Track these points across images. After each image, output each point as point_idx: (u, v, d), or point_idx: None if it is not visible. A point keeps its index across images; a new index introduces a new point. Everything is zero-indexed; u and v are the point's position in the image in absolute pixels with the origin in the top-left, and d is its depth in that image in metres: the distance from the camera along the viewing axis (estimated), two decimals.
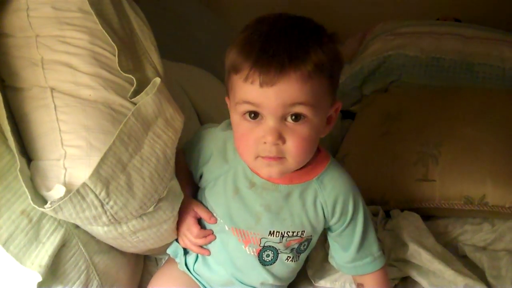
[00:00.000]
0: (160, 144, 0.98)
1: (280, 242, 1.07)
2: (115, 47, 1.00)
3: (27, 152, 0.96)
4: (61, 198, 0.88)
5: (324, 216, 1.06)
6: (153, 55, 1.11)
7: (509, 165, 1.43)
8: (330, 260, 1.19)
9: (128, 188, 0.93)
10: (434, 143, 1.51)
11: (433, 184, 1.44)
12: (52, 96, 0.96)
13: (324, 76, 0.92)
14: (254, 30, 0.94)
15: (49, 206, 0.88)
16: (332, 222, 1.07)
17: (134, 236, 1.03)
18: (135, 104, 0.99)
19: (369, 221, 1.10)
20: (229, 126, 1.06)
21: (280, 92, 0.90)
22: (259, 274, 1.10)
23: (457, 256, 1.32)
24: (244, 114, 0.95)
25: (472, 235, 1.40)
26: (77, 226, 1.01)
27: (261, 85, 0.89)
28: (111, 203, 0.92)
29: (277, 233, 1.05)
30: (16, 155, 0.92)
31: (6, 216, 0.91)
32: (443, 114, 1.62)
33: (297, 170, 1.02)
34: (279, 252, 1.08)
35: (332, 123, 1.02)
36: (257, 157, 0.96)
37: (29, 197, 0.88)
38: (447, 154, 1.48)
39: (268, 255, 1.08)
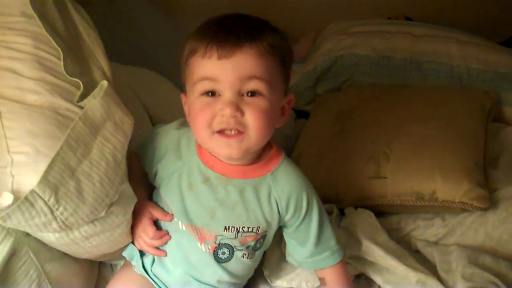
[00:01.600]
0: (109, 147, 0.98)
1: (235, 238, 1.07)
2: (60, 50, 0.99)
3: None
4: (9, 206, 0.86)
5: (279, 212, 1.08)
6: (101, 58, 1.11)
7: (458, 161, 1.46)
8: (289, 258, 1.20)
9: (78, 194, 0.92)
10: (385, 141, 1.53)
11: (384, 181, 1.46)
12: None
13: (277, 58, 0.97)
14: (210, 20, 1.00)
15: None
16: (287, 217, 1.09)
17: (86, 241, 1.02)
18: (82, 108, 0.98)
19: (324, 215, 1.12)
20: (183, 124, 1.09)
21: (237, 64, 0.93)
22: (214, 272, 1.10)
23: (410, 252, 1.34)
24: (202, 93, 0.97)
25: (424, 230, 1.43)
26: (27, 234, 0.99)
27: (219, 57, 0.93)
28: (60, 209, 0.90)
29: (233, 228, 1.06)
30: None
31: None
32: (394, 112, 1.65)
33: (251, 164, 1.05)
34: (234, 249, 1.09)
35: (286, 115, 1.05)
36: (213, 133, 0.97)
37: None
38: (397, 151, 1.50)
39: (223, 253, 1.08)
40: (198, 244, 1.07)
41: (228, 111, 0.94)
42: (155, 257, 1.13)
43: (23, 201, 0.86)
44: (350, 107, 1.75)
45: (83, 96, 0.99)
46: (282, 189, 1.06)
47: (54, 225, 0.92)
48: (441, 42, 2.03)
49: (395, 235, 1.41)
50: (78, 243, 1.01)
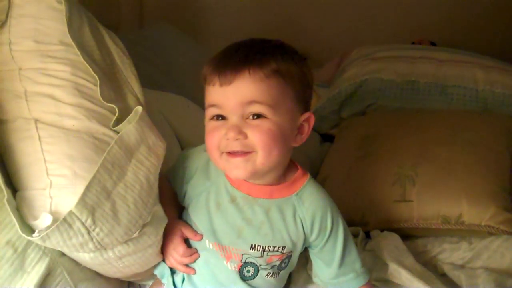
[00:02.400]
0: (143, 170, 1.00)
1: (261, 257, 1.08)
2: (97, 77, 1.03)
3: (13, 183, 0.98)
4: (48, 227, 0.89)
5: (304, 232, 1.09)
6: (134, 84, 1.14)
7: (483, 184, 1.46)
8: (315, 279, 1.20)
9: (113, 215, 0.94)
10: (410, 164, 1.54)
11: (410, 204, 1.47)
12: (37, 128, 0.98)
13: (284, 81, 1.00)
14: (225, 48, 1.05)
15: (37, 234, 0.89)
16: (312, 237, 1.10)
17: (119, 261, 1.04)
18: (117, 132, 1.01)
19: (349, 237, 1.13)
20: None
21: (237, 90, 0.98)
22: None
23: (436, 275, 1.33)
24: (212, 117, 1.02)
25: (451, 254, 1.42)
26: (62, 255, 1.02)
27: (220, 85, 0.99)
28: (97, 230, 0.93)
29: (259, 247, 1.07)
30: (3, 186, 0.93)
31: None
32: (419, 136, 1.65)
33: (276, 185, 1.07)
34: (259, 268, 1.10)
35: (305, 134, 1.07)
36: (221, 153, 1.02)
37: (17, 226, 0.90)
38: (423, 175, 1.51)
39: (248, 271, 1.09)
40: (224, 262, 1.09)
41: (231, 135, 0.99)
42: (185, 275, 1.14)
43: (61, 222, 0.89)
44: (375, 131, 1.76)
45: (118, 121, 1.02)
46: (307, 209, 1.08)
47: (90, 245, 0.94)
48: (466, 67, 2.03)
49: (421, 258, 1.40)
50: (112, 263, 1.03)
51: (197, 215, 1.11)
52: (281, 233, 1.08)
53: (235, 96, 0.98)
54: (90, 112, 1.02)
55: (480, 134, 1.65)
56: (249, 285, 1.11)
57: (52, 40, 1.05)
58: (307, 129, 1.07)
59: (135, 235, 1.01)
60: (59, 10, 1.07)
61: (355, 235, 1.43)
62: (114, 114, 1.03)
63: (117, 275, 1.11)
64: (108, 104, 1.03)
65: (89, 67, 1.03)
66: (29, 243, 0.96)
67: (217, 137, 1.01)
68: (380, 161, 1.59)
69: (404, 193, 1.48)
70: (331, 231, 1.10)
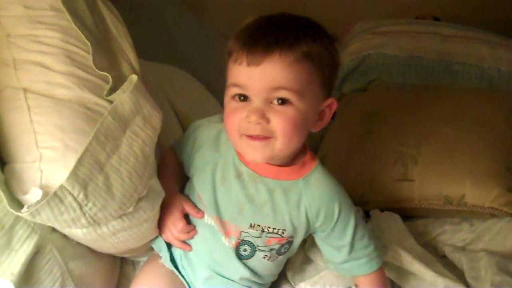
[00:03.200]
0: (138, 142, 0.97)
1: (259, 237, 1.06)
2: (89, 44, 0.98)
3: (1, 155, 0.94)
4: (38, 202, 0.85)
5: (308, 219, 1.06)
6: (129, 53, 1.10)
7: (488, 164, 1.44)
8: (328, 266, 1.18)
9: (107, 189, 0.91)
10: (413, 143, 1.51)
11: (412, 184, 1.44)
12: (25, 97, 0.94)
13: (313, 65, 0.96)
14: (253, 21, 0.99)
15: (26, 210, 0.85)
16: (317, 224, 1.07)
17: (114, 237, 1.01)
18: (111, 102, 0.97)
19: (360, 223, 1.11)
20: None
21: (265, 73, 0.93)
22: (236, 268, 1.09)
23: (437, 257, 1.32)
24: (234, 96, 0.98)
25: (452, 235, 1.40)
26: (52, 232, 0.98)
27: (248, 64, 0.94)
28: (89, 204, 0.90)
29: (258, 227, 1.05)
30: None
31: None
32: (422, 114, 1.62)
33: (285, 166, 1.04)
34: (256, 249, 1.08)
35: (325, 119, 1.04)
36: (241, 135, 0.98)
37: (5, 201, 0.86)
38: (426, 154, 1.48)
39: (245, 250, 1.08)
40: (223, 238, 1.07)
41: (253, 119, 0.95)
42: (181, 250, 1.13)
43: (52, 196, 0.85)
44: (378, 108, 1.73)
45: (112, 90, 0.98)
46: (313, 196, 1.05)
47: (83, 220, 0.91)
48: (471, 43, 2.01)
49: (422, 239, 1.39)
50: (106, 239, 1.01)
51: (201, 185, 1.09)
52: (283, 215, 1.05)
53: (262, 79, 0.94)
54: (81, 81, 0.97)
55: (485, 113, 1.61)
56: (244, 264, 1.09)
57: (42, 5, 1.00)
58: (328, 114, 1.04)
59: (130, 209, 0.97)
60: None
61: None
62: (108, 83, 0.98)
63: (111, 250, 1.09)
64: (101, 73, 0.98)
65: (81, 34, 0.98)
66: (17, 219, 0.92)
67: (237, 119, 0.97)
68: (382, 139, 1.57)
69: (406, 172, 1.46)
70: (338, 218, 1.07)
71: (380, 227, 1.34)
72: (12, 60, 0.96)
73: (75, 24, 0.99)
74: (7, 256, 0.91)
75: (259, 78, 0.94)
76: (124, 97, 0.96)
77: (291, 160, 1.05)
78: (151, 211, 1.03)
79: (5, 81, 0.96)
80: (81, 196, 0.88)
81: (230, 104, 0.99)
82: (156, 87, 1.39)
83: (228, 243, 1.07)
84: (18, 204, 0.89)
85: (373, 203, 1.46)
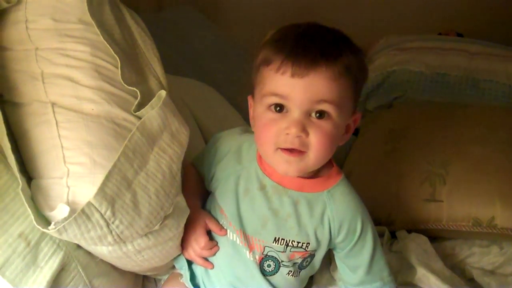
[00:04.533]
0: (165, 159, 0.95)
1: (283, 252, 1.05)
2: (117, 59, 0.97)
3: (28, 170, 0.92)
4: (65, 219, 0.83)
5: (330, 232, 1.05)
6: (156, 67, 1.09)
7: None
8: (339, 283, 1.16)
9: (134, 206, 0.89)
10: (441, 162, 1.48)
11: (440, 204, 1.41)
12: (53, 112, 0.92)
13: (350, 80, 0.96)
14: (288, 30, 0.98)
15: (53, 227, 0.83)
16: (338, 239, 1.06)
17: (139, 255, 0.99)
18: (139, 117, 0.96)
19: (378, 244, 1.09)
20: (245, 130, 1.11)
21: (310, 85, 0.92)
22: (259, 285, 1.07)
23: (465, 280, 1.29)
24: (270, 106, 0.97)
25: (480, 258, 1.37)
26: (76, 248, 0.97)
27: (292, 75, 0.92)
28: (116, 222, 0.88)
29: (282, 241, 1.04)
30: (17, 174, 0.88)
31: (3, 239, 0.87)
32: (450, 132, 1.59)
33: (310, 178, 1.04)
34: (280, 264, 1.06)
35: (349, 132, 1.04)
36: (277, 149, 0.97)
37: (32, 217, 0.84)
38: (454, 174, 1.45)
39: (269, 265, 1.06)
40: (247, 253, 1.05)
41: (293, 131, 0.94)
42: (203, 268, 1.11)
43: (79, 213, 0.84)
44: (403, 125, 1.70)
45: (140, 105, 0.97)
46: (337, 209, 1.04)
47: (109, 238, 0.90)
48: (499, 61, 1.99)
49: (449, 261, 1.35)
50: (130, 257, 0.99)
51: (224, 199, 1.07)
52: (307, 229, 1.04)
53: (306, 91, 0.93)
54: (110, 96, 0.96)
55: None
56: (268, 281, 1.07)
57: (71, 18, 0.99)
58: (352, 128, 1.05)
59: (156, 227, 0.96)
60: None
61: (381, 235, 1.37)
62: (136, 98, 0.97)
63: (135, 268, 1.07)
64: (130, 88, 0.97)
65: (110, 47, 0.97)
66: (42, 236, 0.91)
67: (275, 131, 0.96)
68: (408, 158, 1.53)
69: (434, 192, 1.42)
70: (359, 236, 1.06)
71: (408, 249, 1.31)
72: (41, 74, 0.95)
73: (104, 38, 0.98)
74: (33, 273, 0.89)
75: (303, 89, 0.92)
76: (152, 113, 0.94)
77: (316, 173, 1.04)
78: (176, 229, 1.01)
79: (33, 94, 0.94)
80: (108, 213, 0.86)
81: (266, 114, 0.98)
82: (181, 101, 1.38)
83: (252, 258, 1.05)
84: (45, 220, 0.87)
85: (399, 223, 1.43)
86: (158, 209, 0.94)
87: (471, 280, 1.32)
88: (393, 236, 1.42)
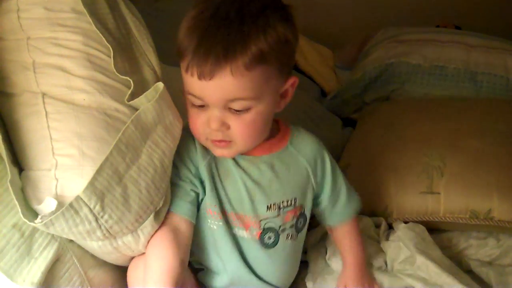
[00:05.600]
0: (158, 153, 0.94)
1: (278, 216, 1.07)
2: (110, 48, 0.96)
3: (19, 161, 0.92)
4: (52, 212, 0.82)
5: (309, 177, 1.11)
6: (151, 56, 1.08)
7: None
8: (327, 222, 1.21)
9: (124, 201, 0.88)
10: (438, 154, 1.47)
11: (437, 196, 1.40)
12: (44, 102, 0.92)
13: (267, 63, 0.93)
14: (199, 14, 0.95)
15: (40, 220, 0.83)
16: (318, 179, 1.12)
17: (129, 250, 0.99)
18: (131, 108, 0.96)
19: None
20: None
21: (218, 86, 0.92)
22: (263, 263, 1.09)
23: (463, 271, 1.28)
24: (193, 104, 0.99)
25: (477, 250, 1.37)
26: (71, 240, 0.96)
27: (199, 77, 0.92)
28: (105, 217, 0.87)
29: (274, 206, 1.07)
30: (7, 165, 0.87)
31: None
32: (447, 125, 1.59)
33: (268, 140, 1.07)
34: (279, 232, 1.08)
35: (288, 97, 1.04)
36: (206, 138, 1.00)
37: (20, 210, 0.84)
38: (452, 166, 1.44)
39: (269, 237, 1.08)
40: (244, 232, 1.06)
41: (213, 126, 0.96)
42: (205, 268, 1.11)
43: (67, 208, 0.83)
44: (401, 117, 1.69)
45: (134, 95, 0.96)
46: (305, 151, 1.10)
47: (98, 233, 0.89)
48: (497, 53, 1.97)
49: (446, 253, 1.34)
50: (121, 252, 0.98)
51: (211, 191, 1.04)
52: (290, 183, 1.08)
53: (216, 92, 0.94)
54: (102, 86, 0.95)
55: None
56: (270, 255, 1.08)
57: (64, 7, 0.98)
58: (291, 92, 1.04)
59: (146, 223, 0.95)
60: None
61: (377, 226, 1.39)
62: (129, 87, 0.96)
63: (127, 263, 1.06)
64: (122, 77, 0.96)
65: (102, 37, 0.96)
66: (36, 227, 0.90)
67: (199, 124, 0.99)
68: (406, 150, 1.52)
69: (431, 184, 1.41)
70: (330, 163, 1.14)
71: (407, 237, 1.30)
72: (32, 63, 0.94)
73: (96, 27, 0.97)
74: (27, 263, 0.89)
75: (213, 91, 0.93)
76: (148, 106, 0.93)
77: (270, 134, 1.07)
78: None
79: (24, 85, 0.94)
80: (97, 208, 0.85)
81: (191, 109, 1.00)
82: (179, 93, 1.36)
83: (251, 235, 1.06)
84: (33, 213, 0.86)
85: (396, 214, 1.42)
86: (148, 204, 0.93)
87: (469, 272, 1.31)
88: (390, 227, 1.41)
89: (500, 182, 1.39)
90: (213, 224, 1.06)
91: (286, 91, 1.03)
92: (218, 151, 1.02)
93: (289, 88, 1.03)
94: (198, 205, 1.05)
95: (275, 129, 1.09)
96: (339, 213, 1.18)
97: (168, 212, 1.01)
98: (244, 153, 1.05)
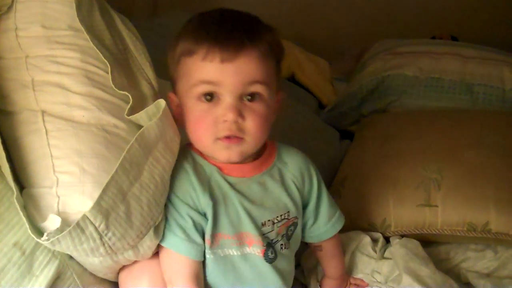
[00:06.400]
0: (159, 169, 0.94)
1: (272, 231, 1.06)
2: (108, 63, 0.97)
3: (20, 179, 0.92)
4: (59, 230, 0.82)
5: (298, 189, 1.09)
6: (148, 71, 1.09)
7: None
8: (308, 239, 1.19)
9: (127, 218, 0.89)
10: (436, 167, 1.47)
11: (435, 209, 1.40)
12: (43, 120, 0.92)
13: (274, 59, 0.99)
14: (202, 19, 0.99)
15: (46, 238, 0.82)
16: (305, 191, 1.11)
17: (128, 263, 0.99)
18: (130, 123, 0.96)
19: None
20: (183, 151, 1.04)
21: (240, 68, 0.93)
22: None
23: (460, 283, 1.28)
24: (200, 96, 0.96)
25: (475, 262, 1.37)
26: (71, 257, 0.96)
27: (222, 61, 0.92)
28: (109, 234, 0.87)
29: (268, 222, 1.05)
30: (11, 183, 0.88)
31: None
32: (444, 137, 1.59)
33: (257, 159, 1.06)
34: (273, 244, 1.06)
35: (277, 112, 1.05)
36: (216, 139, 0.97)
37: (28, 227, 0.83)
38: (449, 179, 1.44)
39: (272, 252, 1.06)
40: (247, 248, 1.04)
41: (231, 116, 0.94)
42: None
43: (74, 226, 0.83)
44: (398, 130, 1.70)
45: (133, 109, 0.96)
46: (292, 166, 1.09)
47: (101, 250, 0.89)
48: (493, 65, 1.99)
49: (444, 265, 1.35)
50: (121, 264, 0.99)
51: (217, 217, 1.02)
52: (282, 199, 1.07)
53: (237, 75, 0.93)
54: (101, 102, 0.96)
55: (509, 137, 1.58)
56: (274, 268, 1.07)
57: (61, 25, 0.99)
58: (278, 107, 1.06)
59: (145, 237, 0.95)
60: None
61: (374, 240, 1.38)
62: (127, 102, 0.96)
63: None
64: (121, 92, 0.97)
65: (99, 53, 0.97)
66: (37, 244, 0.90)
67: (211, 120, 0.95)
68: (403, 162, 1.53)
69: (428, 197, 1.41)
70: (316, 176, 1.12)
71: (398, 255, 1.30)
72: (31, 81, 0.95)
73: (93, 43, 0.98)
74: (28, 281, 0.88)
75: (235, 73, 0.93)
76: (152, 124, 0.93)
77: (258, 153, 1.06)
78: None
79: (23, 103, 0.94)
80: (102, 226, 0.85)
81: (197, 106, 0.96)
82: None
83: (255, 252, 1.04)
84: (38, 230, 0.86)
85: (394, 228, 1.42)
86: (148, 220, 0.93)
87: (467, 284, 1.31)
88: (388, 241, 1.41)
89: (497, 194, 1.39)
90: (211, 254, 1.04)
91: (275, 106, 1.04)
92: (225, 153, 0.99)
93: (276, 104, 1.04)
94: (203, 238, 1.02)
95: (262, 147, 1.08)
96: (321, 230, 1.15)
97: (184, 258, 0.99)
98: (237, 176, 1.03)
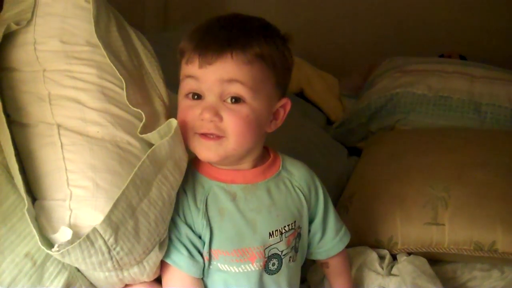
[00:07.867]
0: (167, 186, 0.95)
1: (281, 241, 1.05)
2: (123, 80, 0.98)
3: (32, 191, 0.93)
4: (69, 242, 0.83)
5: (305, 199, 1.09)
6: (161, 88, 1.10)
7: None
8: (314, 255, 1.18)
9: (135, 233, 0.89)
10: (443, 186, 1.48)
11: (442, 228, 1.40)
12: (59, 134, 0.94)
13: (267, 66, 0.98)
14: (207, 21, 1.01)
15: (57, 249, 0.83)
16: (312, 202, 1.11)
17: (132, 281, 0.99)
18: (143, 141, 0.97)
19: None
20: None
21: (217, 69, 0.94)
22: None
23: None
24: (188, 94, 0.99)
25: (481, 282, 1.37)
26: None
27: (200, 66, 0.95)
28: (118, 248, 0.88)
29: (276, 232, 1.04)
30: (24, 195, 0.88)
31: (10, 259, 0.87)
32: (452, 156, 1.60)
33: (260, 166, 1.06)
34: (282, 256, 1.06)
35: (279, 119, 1.05)
36: (194, 134, 0.98)
37: (38, 238, 0.85)
38: (456, 198, 1.44)
39: (274, 264, 1.05)
40: (250, 265, 1.03)
41: (206, 116, 0.95)
42: None
43: (84, 239, 0.83)
44: (406, 147, 1.71)
45: (145, 127, 0.97)
46: (298, 176, 1.09)
47: (109, 264, 0.89)
48: (501, 84, 2.00)
49: (450, 284, 1.36)
50: (124, 282, 0.99)
51: (216, 238, 1.02)
52: (288, 207, 1.07)
53: (215, 74, 0.95)
54: (115, 118, 0.98)
55: None
56: (276, 280, 1.06)
57: (79, 41, 1.01)
58: (282, 115, 1.05)
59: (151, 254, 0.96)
60: (86, 9, 1.03)
61: (381, 257, 1.38)
62: (140, 120, 0.98)
63: None
64: (135, 109, 0.98)
65: (116, 69, 0.98)
66: (48, 255, 0.91)
67: (191, 117, 0.98)
68: (411, 180, 1.53)
69: (436, 215, 1.42)
70: (322, 189, 1.12)
71: (405, 271, 1.30)
72: (48, 95, 0.97)
73: (110, 60, 0.99)
74: None
75: (212, 72, 0.95)
76: (163, 142, 0.93)
77: (262, 158, 1.07)
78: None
79: (39, 116, 0.96)
80: (111, 240, 0.86)
81: (184, 102, 1.00)
82: None
83: (257, 267, 1.03)
84: (48, 241, 0.87)
85: (401, 245, 1.42)
86: (155, 236, 0.93)
87: None
88: (395, 259, 1.41)
89: (504, 214, 1.39)
90: (211, 268, 1.04)
91: (278, 111, 1.04)
92: (204, 152, 0.99)
93: (280, 110, 1.04)
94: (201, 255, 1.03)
95: (266, 155, 1.09)
96: (329, 245, 1.15)
97: (185, 275, 1.00)
98: (241, 182, 1.03)
